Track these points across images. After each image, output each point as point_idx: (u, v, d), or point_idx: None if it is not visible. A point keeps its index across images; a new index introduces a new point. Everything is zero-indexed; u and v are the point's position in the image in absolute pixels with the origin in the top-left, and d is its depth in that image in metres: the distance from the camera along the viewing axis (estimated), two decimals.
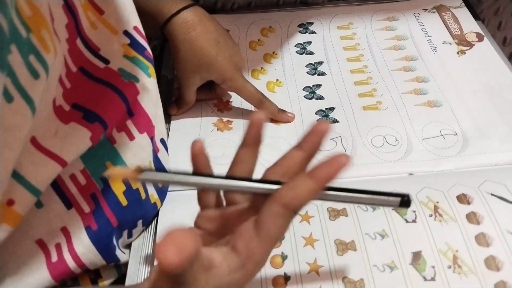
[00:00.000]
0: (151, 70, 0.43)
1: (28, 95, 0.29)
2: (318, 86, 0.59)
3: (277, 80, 0.61)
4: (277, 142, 0.53)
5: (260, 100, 0.54)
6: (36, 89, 0.29)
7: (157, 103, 0.45)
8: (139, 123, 0.43)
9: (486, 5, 0.69)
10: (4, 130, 0.28)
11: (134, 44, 0.41)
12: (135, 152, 0.42)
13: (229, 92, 0.59)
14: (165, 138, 0.48)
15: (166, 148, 0.48)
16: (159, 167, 0.46)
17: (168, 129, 0.55)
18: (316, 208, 0.44)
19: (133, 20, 0.41)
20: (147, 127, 0.43)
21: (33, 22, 0.29)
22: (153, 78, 0.44)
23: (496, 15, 0.70)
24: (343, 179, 0.46)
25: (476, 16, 0.66)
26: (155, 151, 0.45)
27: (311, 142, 0.31)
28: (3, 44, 0.26)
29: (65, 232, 0.37)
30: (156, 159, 0.46)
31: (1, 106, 0.27)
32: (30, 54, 0.29)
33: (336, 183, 0.28)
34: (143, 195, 0.43)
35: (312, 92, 0.59)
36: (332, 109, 0.56)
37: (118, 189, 0.41)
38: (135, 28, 0.42)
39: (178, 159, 0.51)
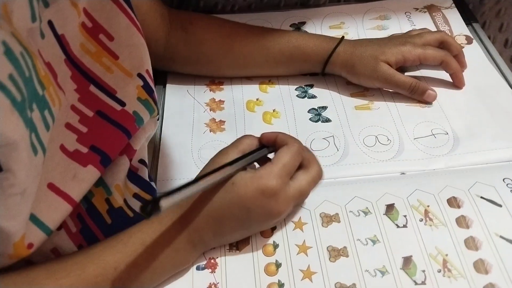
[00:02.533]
0: (155, 113, 0.45)
1: (44, 146, 0.32)
2: (311, 85, 0.59)
3: (269, 80, 0.60)
4: None
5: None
6: (47, 139, 0.33)
7: (147, 140, 0.47)
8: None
9: (487, 7, 0.69)
10: (32, 180, 0.31)
11: (146, 86, 0.43)
12: (113, 171, 0.43)
13: (221, 92, 0.59)
14: (146, 159, 0.48)
15: (146, 165, 0.48)
16: (139, 181, 0.46)
17: (160, 130, 0.55)
18: (309, 214, 0.45)
19: (145, 64, 0.44)
20: (128, 151, 0.44)
21: (46, 80, 0.32)
22: (154, 119, 0.46)
23: (498, 17, 0.70)
24: (336, 179, 0.48)
25: (465, 18, 0.65)
26: (132, 170, 0.46)
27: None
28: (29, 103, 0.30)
29: (56, 252, 0.38)
30: (134, 176, 0.46)
31: (30, 159, 0.30)
32: (45, 109, 0.32)
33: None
34: (129, 213, 0.43)
35: (304, 92, 0.59)
36: (324, 108, 0.56)
37: (102, 208, 0.42)
38: (147, 71, 0.44)
39: (168, 161, 0.52)
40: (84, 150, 0.37)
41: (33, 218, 0.33)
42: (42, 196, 0.34)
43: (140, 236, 0.38)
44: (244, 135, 0.44)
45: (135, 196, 0.44)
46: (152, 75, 0.45)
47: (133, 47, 0.42)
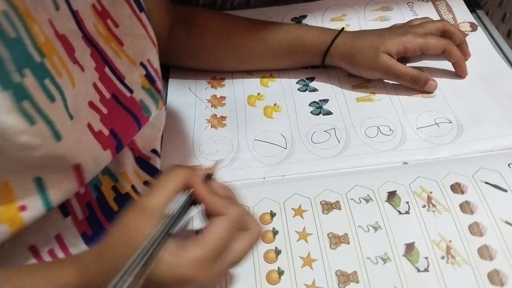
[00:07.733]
0: (160, 103, 0.45)
1: (47, 117, 0.31)
2: (312, 78, 0.59)
3: (270, 75, 0.60)
4: (269, 136, 0.53)
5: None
6: (54, 111, 0.31)
7: (158, 131, 0.48)
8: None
9: None
10: (21, 150, 0.30)
11: (148, 75, 0.44)
12: (118, 160, 0.43)
13: (222, 88, 0.59)
14: (158, 149, 0.49)
15: (159, 155, 0.49)
16: (150, 170, 0.47)
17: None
18: (309, 202, 0.44)
19: (147, 53, 0.44)
20: (131, 142, 0.45)
21: (46, 48, 0.32)
22: (160, 110, 0.46)
23: (500, 7, 0.69)
24: (338, 170, 0.47)
25: (469, 5, 0.65)
26: (144, 159, 0.46)
27: None
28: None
29: (59, 239, 0.38)
30: (146, 164, 0.47)
31: (24, 128, 0.29)
32: (46, 78, 0.31)
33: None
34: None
35: (305, 85, 0.58)
36: (325, 100, 0.56)
37: (109, 196, 0.42)
38: (148, 60, 0.44)
39: (171, 158, 0.52)
40: (106, 132, 0.38)
41: (39, 182, 0.32)
42: (63, 171, 0.33)
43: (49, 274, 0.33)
44: (167, 174, 0.34)
45: (146, 183, 0.45)
46: (154, 65, 0.45)
47: (134, 36, 0.43)
